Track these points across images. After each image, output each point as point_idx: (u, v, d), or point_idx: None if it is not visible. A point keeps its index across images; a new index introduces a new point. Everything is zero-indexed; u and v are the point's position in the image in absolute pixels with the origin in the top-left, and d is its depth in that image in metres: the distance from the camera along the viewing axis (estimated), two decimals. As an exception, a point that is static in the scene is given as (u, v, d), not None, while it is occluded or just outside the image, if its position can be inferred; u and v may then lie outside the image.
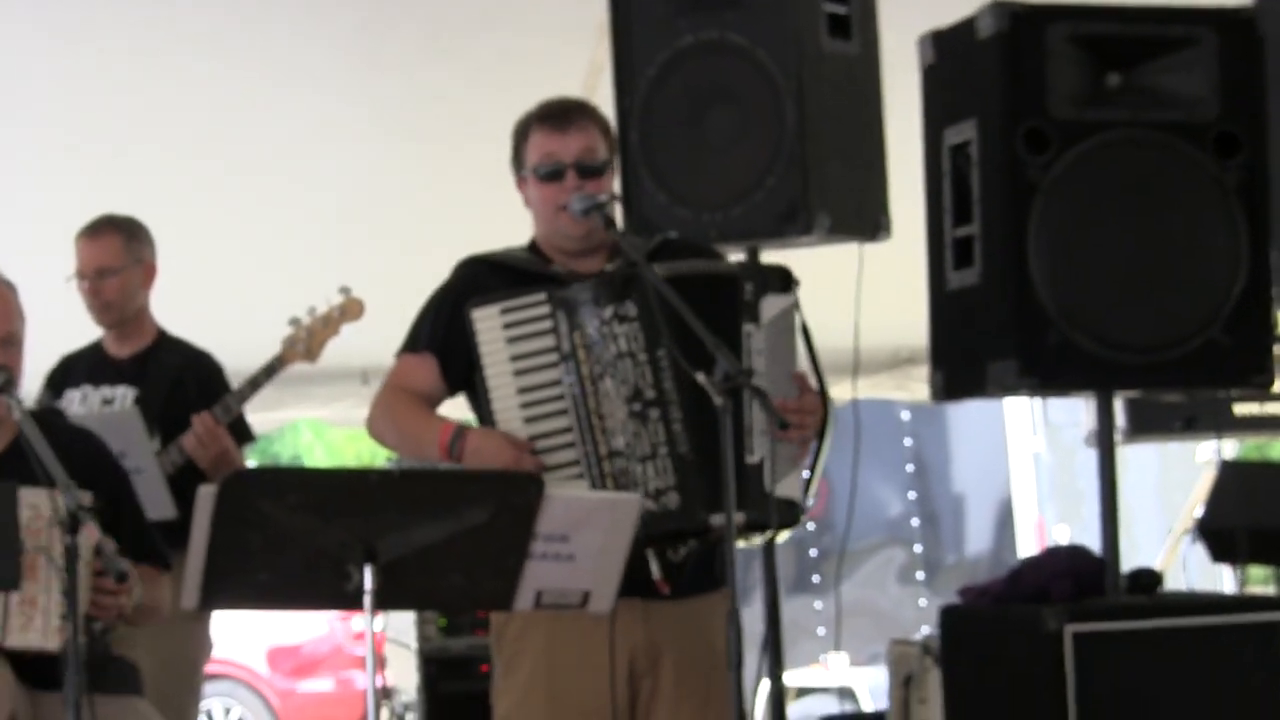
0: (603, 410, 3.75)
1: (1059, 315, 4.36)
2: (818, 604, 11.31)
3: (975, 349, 4.49)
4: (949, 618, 4.64)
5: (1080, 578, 4.48)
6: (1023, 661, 4.30)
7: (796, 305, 3.86)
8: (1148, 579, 4.53)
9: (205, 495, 3.30)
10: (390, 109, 6.69)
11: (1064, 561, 4.57)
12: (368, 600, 3.37)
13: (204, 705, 10.77)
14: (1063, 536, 11.44)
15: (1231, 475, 6.33)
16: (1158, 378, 4.48)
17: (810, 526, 11.32)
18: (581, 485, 3.71)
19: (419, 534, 3.39)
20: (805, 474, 3.82)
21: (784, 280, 3.85)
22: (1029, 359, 4.37)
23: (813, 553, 11.55)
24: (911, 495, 12.23)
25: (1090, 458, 4.77)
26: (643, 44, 4.88)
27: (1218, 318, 4.44)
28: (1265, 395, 7.29)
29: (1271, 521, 5.88)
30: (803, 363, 3.90)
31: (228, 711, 11.73)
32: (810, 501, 3.83)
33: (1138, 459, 11.44)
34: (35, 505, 3.66)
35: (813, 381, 3.89)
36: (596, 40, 5.85)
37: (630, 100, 4.87)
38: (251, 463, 6.44)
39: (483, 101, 6.28)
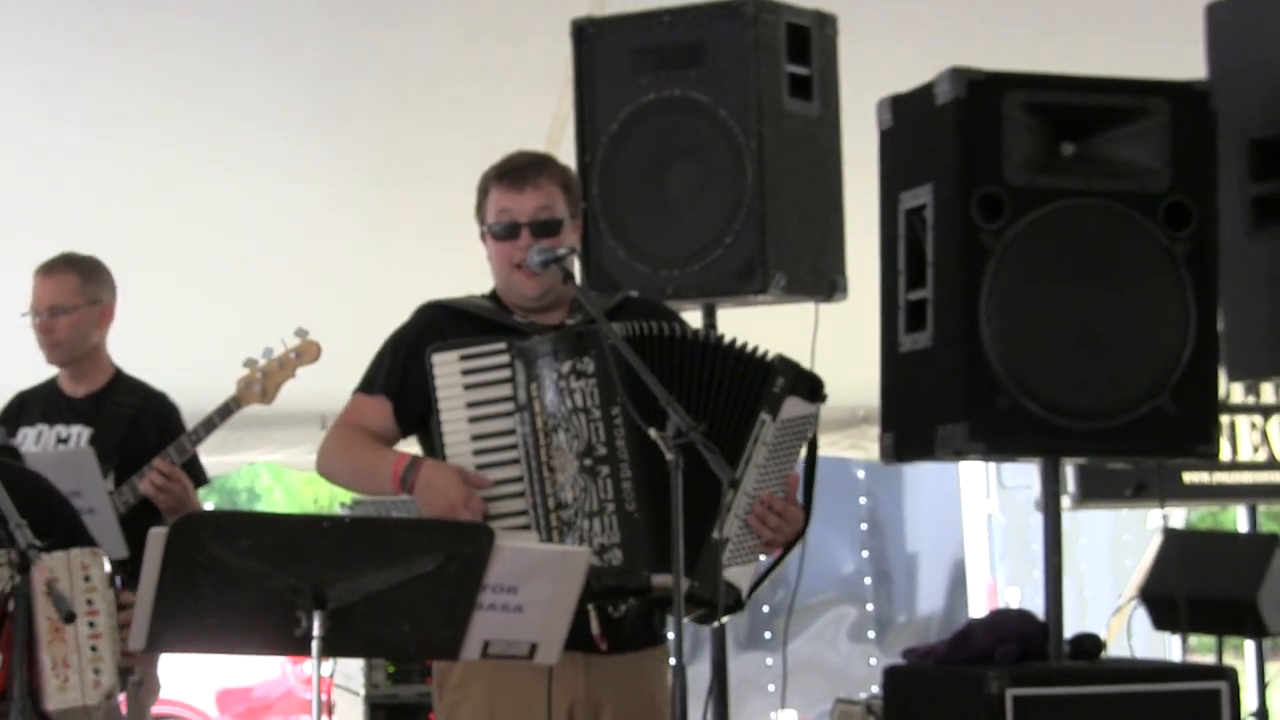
0: (554, 463, 3.77)
1: (1009, 380, 4.40)
2: (769, 660, 11.30)
3: (925, 411, 4.52)
4: (893, 678, 4.67)
5: (1026, 641, 4.51)
6: (964, 723, 4.34)
7: (816, 418, 3.89)
8: (1090, 645, 4.56)
9: (156, 537, 3.29)
10: (352, 154, 6.72)
11: (1010, 625, 4.60)
12: (315, 646, 3.37)
13: (151, 746, 10.71)
14: (1014, 599, 11.47)
15: (1174, 543, 6.36)
16: (1104, 445, 4.53)
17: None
18: (531, 536, 3.72)
19: (368, 581, 3.39)
20: (760, 568, 3.86)
21: (813, 389, 3.88)
22: (978, 423, 4.41)
23: (765, 609, 11.54)
24: (865, 553, 12.25)
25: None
26: (606, 99, 4.91)
27: (1165, 386, 4.48)
28: (1214, 464, 7.36)
29: (1212, 590, 5.91)
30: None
31: (175, 753, 11.63)
32: (749, 597, 3.85)
33: (1090, 523, 11.48)
34: (51, 568, 3.64)
35: (800, 496, 3.92)
36: (562, 91, 5.88)
37: (592, 154, 4.90)
38: (208, 503, 6.42)
39: (444, 149, 6.32)
